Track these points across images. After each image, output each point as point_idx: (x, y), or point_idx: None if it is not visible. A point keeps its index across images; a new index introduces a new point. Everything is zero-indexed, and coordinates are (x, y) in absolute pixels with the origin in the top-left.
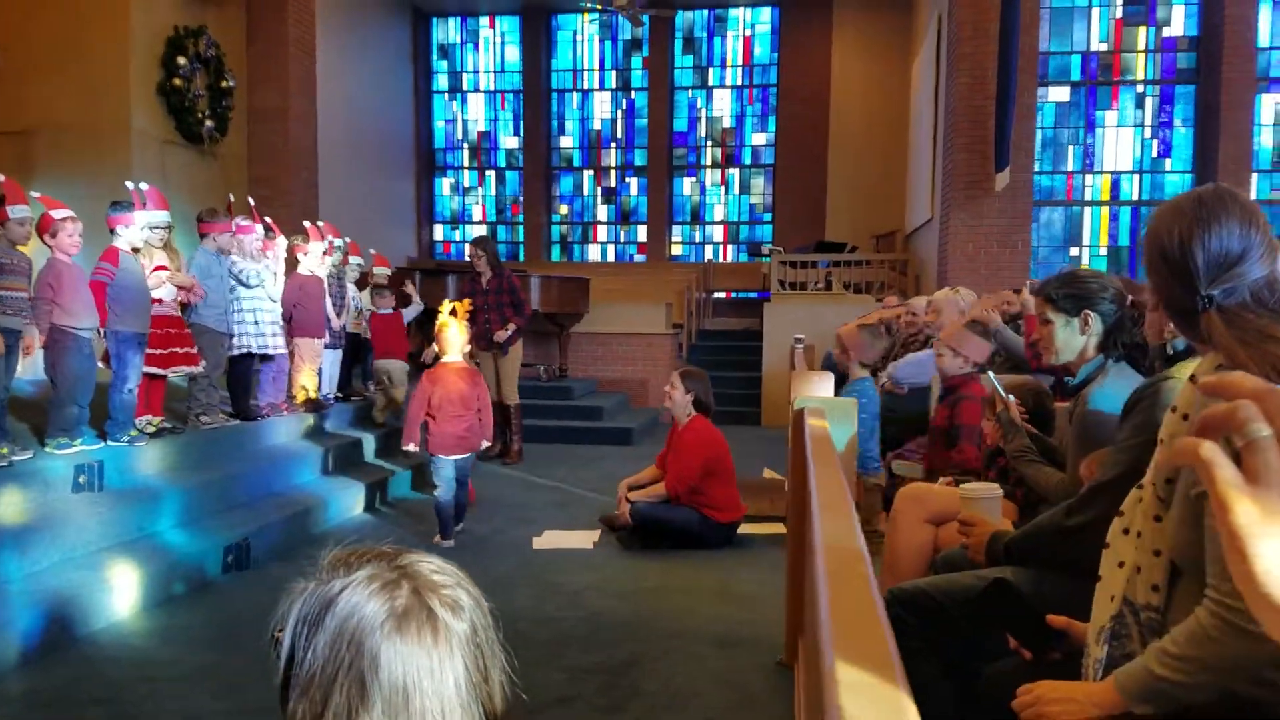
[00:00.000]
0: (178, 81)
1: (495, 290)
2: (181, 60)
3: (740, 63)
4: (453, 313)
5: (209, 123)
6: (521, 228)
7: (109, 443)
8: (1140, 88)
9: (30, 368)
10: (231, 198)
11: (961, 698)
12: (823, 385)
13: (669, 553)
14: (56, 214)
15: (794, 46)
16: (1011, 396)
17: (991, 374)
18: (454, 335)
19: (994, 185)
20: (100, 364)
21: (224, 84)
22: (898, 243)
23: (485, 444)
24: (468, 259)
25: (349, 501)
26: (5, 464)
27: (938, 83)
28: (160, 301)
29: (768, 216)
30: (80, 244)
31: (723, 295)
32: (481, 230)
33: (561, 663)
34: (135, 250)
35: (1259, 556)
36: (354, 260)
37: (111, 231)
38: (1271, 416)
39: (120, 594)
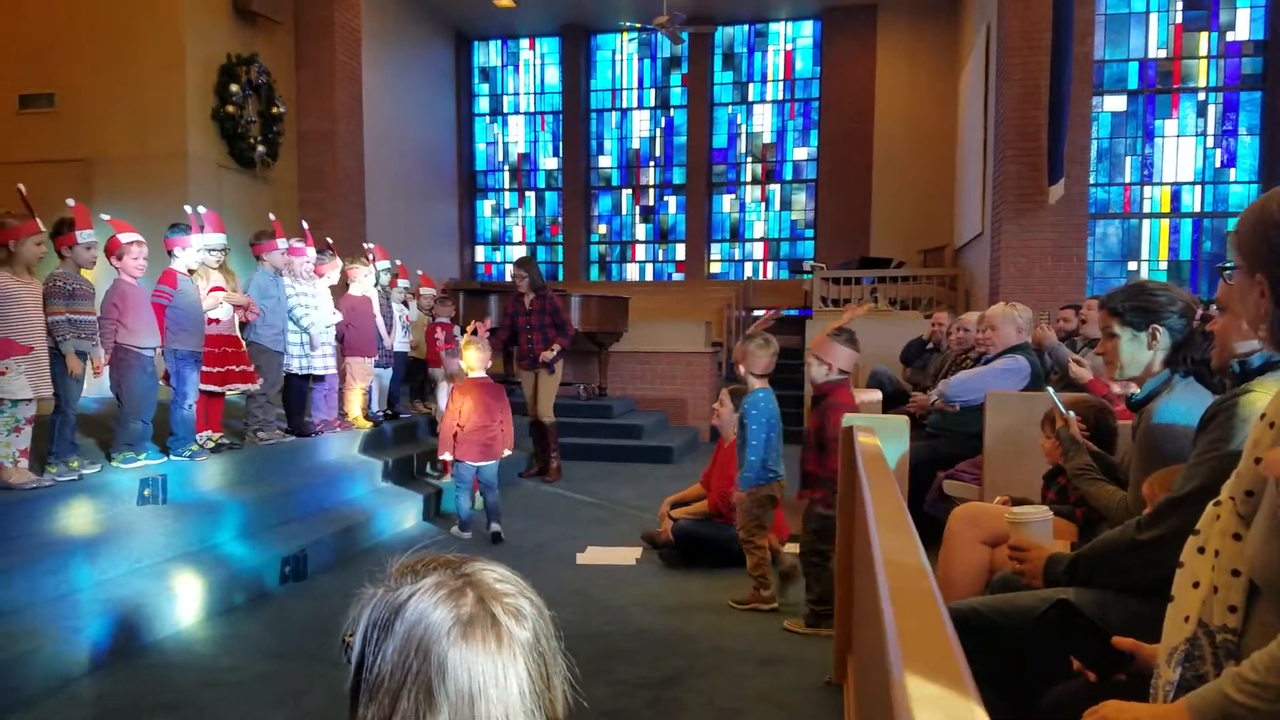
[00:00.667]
0: (231, 108)
1: (538, 311)
2: (234, 87)
3: (781, 77)
4: (474, 333)
5: (261, 148)
6: (561, 248)
7: (171, 457)
8: (1202, 95)
9: (96, 386)
10: (272, 217)
11: None
12: (871, 402)
13: (712, 570)
14: (124, 237)
15: (837, 59)
16: (1072, 413)
17: (1052, 390)
18: (474, 354)
19: (1047, 198)
20: (161, 382)
21: (275, 110)
22: (946, 258)
23: (507, 452)
24: (510, 280)
25: (400, 515)
26: (75, 477)
27: (986, 93)
28: (217, 321)
29: (809, 233)
30: (145, 266)
31: (763, 312)
32: (521, 251)
33: (608, 677)
34: (191, 272)
35: None
36: (402, 283)
37: (169, 254)
38: None
39: (184, 603)
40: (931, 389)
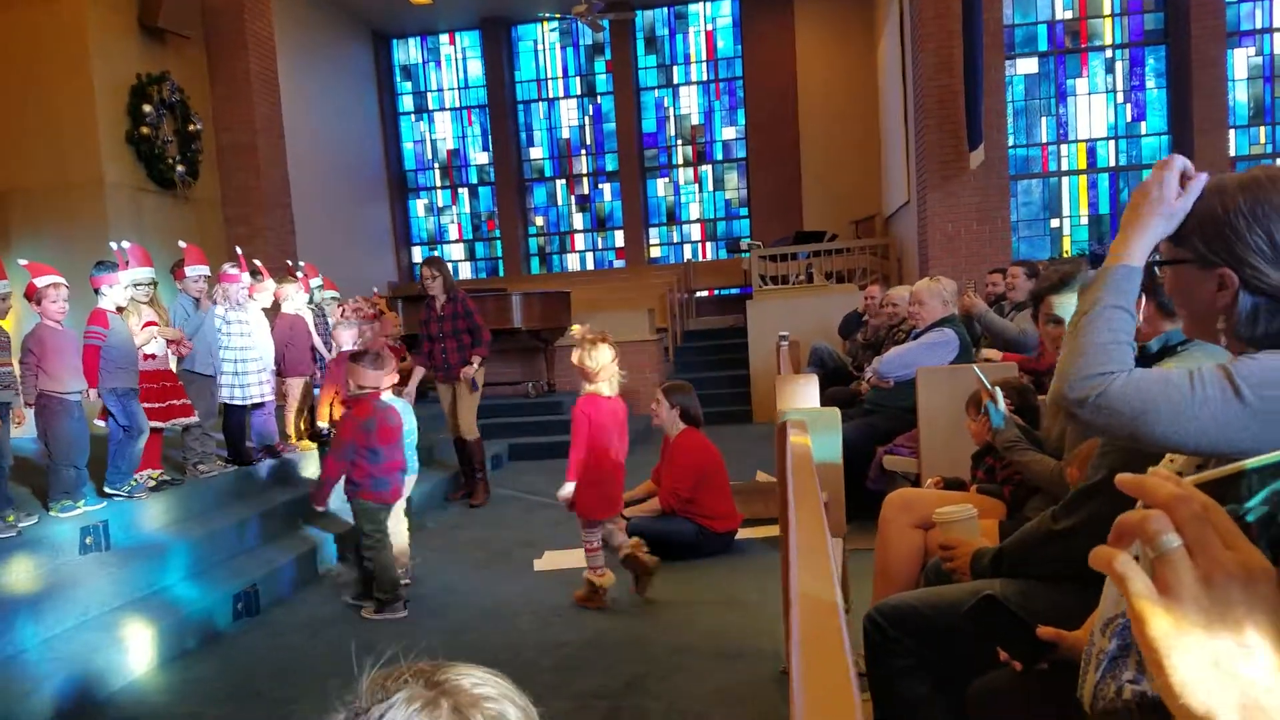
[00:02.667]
0: (145, 129)
1: (451, 316)
2: (147, 108)
3: (704, 58)
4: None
5: (180, 167)
6: (499, 243)
7: (108, 490)
8: (1109, 52)
9: (26, 430)
10: (182, 244)
11: (953, 713)
12: (807, 391)
13: (669, 565)
14: (40, 281)
15: (756, 38)
16: (999, 389)
17: (976, 367)
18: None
19: (969, 164)
20: (99, 422)
21: (191, 127)
22: (877, 227)
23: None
24: (420, 282)
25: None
26: (14, 533)
27: (904, 64)
28: (153, 357)
29: (744, 211)
30: (66, 309)
31: (705, 294)
32: (459, 250)
33: (568, 690)
34: (121, 309)
35: (1175, 669)
36: (329, 293)
37: (96, 292)
38: (1181, 525)
39: (135, 652)
40: (868, 363)
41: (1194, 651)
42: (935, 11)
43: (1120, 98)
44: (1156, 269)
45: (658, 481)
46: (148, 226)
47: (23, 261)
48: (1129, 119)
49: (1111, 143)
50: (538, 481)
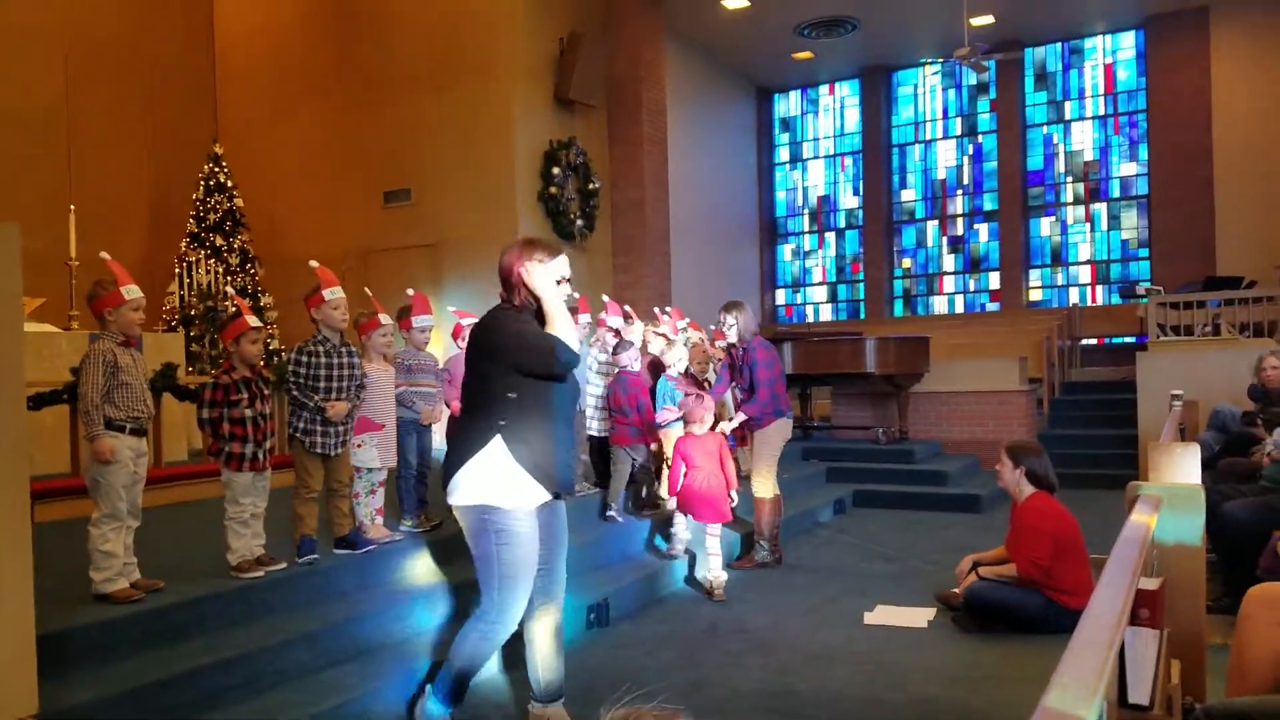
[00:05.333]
0: (554, 189)
1: (738, 366)
2: (556, 170)
3: (1101, 92)
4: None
5: (579, 222)
6: (862, 285)
7: None
8: None
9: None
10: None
11: None
12: (1184, 462)
13: (1010, 638)
14: (465, 322)
15: (1165, 68)
16: None
17: None
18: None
19: None
20: None
21: (590, 186)
22: None
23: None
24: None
25: (697, 563)
26: (427, 528)
27: None
28: None
29: (1143, 252)
30: None
31: (1093, 342)
32: (821, 292)
33: None
34: None
35: None
36: (696, 334)
37: None
38: None
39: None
40: (1268, 439)
41: None
42: None
43: None
44: None
45: (1011, 553)
46: None
47: (452, 308)
48: None
49: None
50: (879, 531)
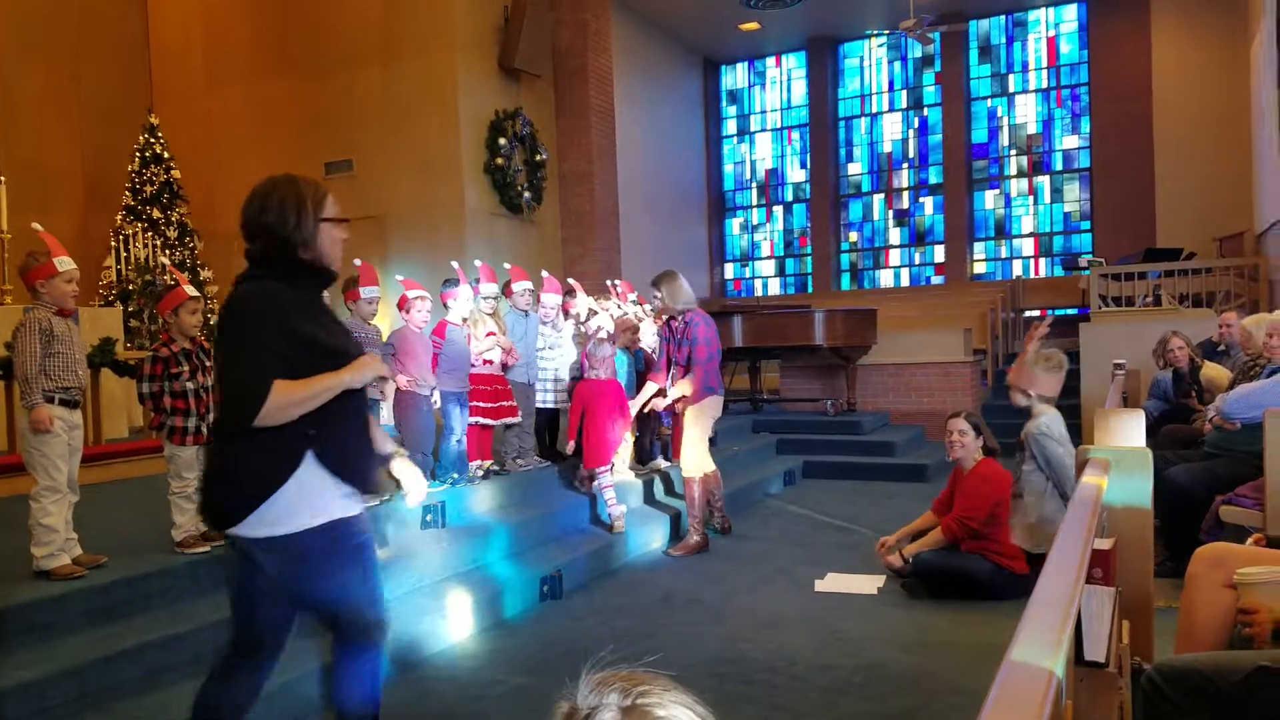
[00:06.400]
0: (500, 160)
1: (674, 339)
2: (502, 141)
3: (1045, 65)
4: None
5: (527, 194)
6: (809, 259)
7: (436, 483)
8: None
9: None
10: (479, 263)
11: None
12: (1129, 427)
13: (959, 604)
14: (411, 294)
15: (1106, 42)
16: None
17: None
18: None
19: None
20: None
21: (538, 157)
22: (1246, 245)
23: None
24: (653, 303)
25: (648, 537)
26: (376, 503)
27: None
28: (490, 362)
29: (1085, 225)
30: (429, 318)
31: (1036, 313)
32: (769, 266)
33: (836, 710)
34: (464, 320)
35: None
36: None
37: (444, 305)
38: None
39: (456, 621)
40: (1210, 405)
41: None
42: None
43: None
44: None
45: (939, 513)
46: (498, 246)
47: (399, 277)
48: None
49: None
50: (828, 501)
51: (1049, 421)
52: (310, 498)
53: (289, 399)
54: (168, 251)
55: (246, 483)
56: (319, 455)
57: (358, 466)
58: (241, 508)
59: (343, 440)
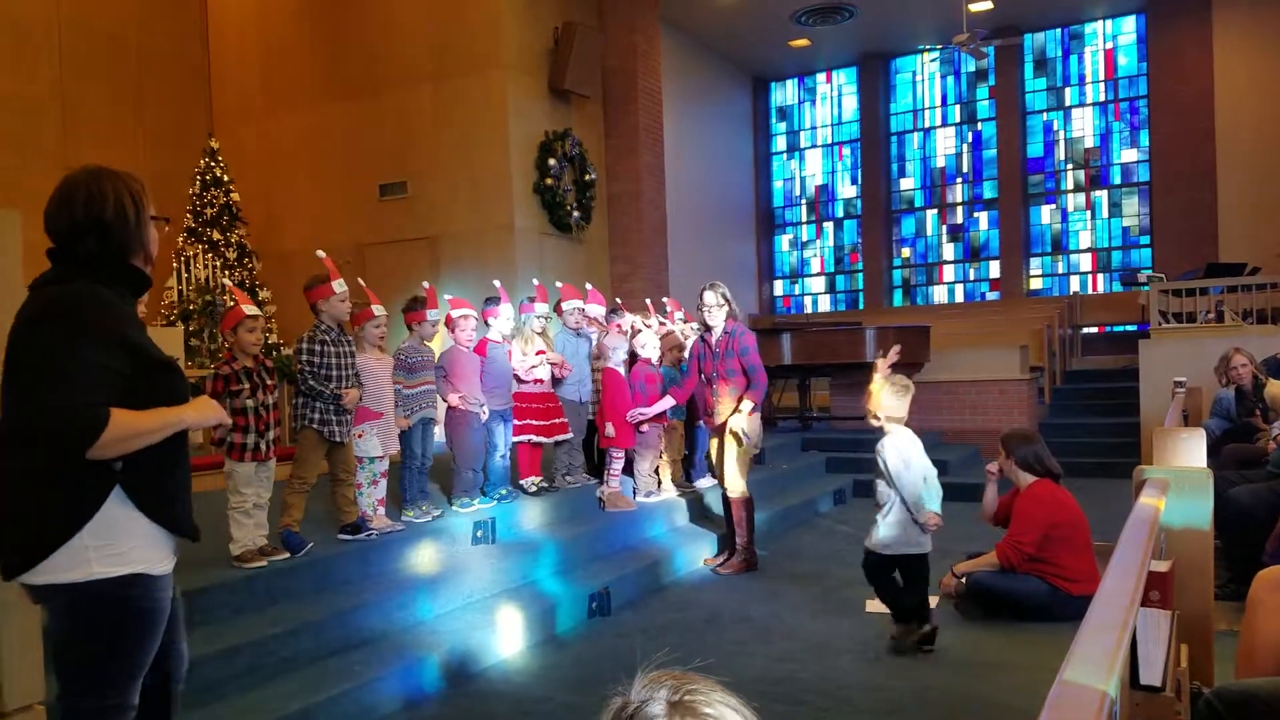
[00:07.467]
0: (549, 180)
1: (724, 352)
2: (552, 161)
3: (1102, 78)
4: None
5: (576, 213)
6: (860, 275)
7: (486, 499)
8: None
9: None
10: (537, 282)
11: None
12: (1189, 447)
13: (1013, 625)
14: (456, 313)
15: (1166, 53)
16: None
17: None
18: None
19: None
20: None
21: (587, 177)
22: None
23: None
24: (702, 311)
25: (696, 553)
26: (429, 518)
27: None
28: (541, 381)
29: (1145, 240)
30: (475, 337)
31: (1094, 330)
32: (820, 283)
33: None
34: (505, 338)
35: None
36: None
37: (485, 323)
38: None
39: (506, 636)
40: (1276, 423)
41: None
42: None
43: None
44: None
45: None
46: (547, 265)
47: (447, 297)
48: None
49: None
50: None
51: (893, 440)
52: (111, 541)
53: (131, 430)
54: (227, 272)
55: (38, 523)
56: (130, 492)
57: (175, 507)
58: (32, 555)
59: (158, 474)
